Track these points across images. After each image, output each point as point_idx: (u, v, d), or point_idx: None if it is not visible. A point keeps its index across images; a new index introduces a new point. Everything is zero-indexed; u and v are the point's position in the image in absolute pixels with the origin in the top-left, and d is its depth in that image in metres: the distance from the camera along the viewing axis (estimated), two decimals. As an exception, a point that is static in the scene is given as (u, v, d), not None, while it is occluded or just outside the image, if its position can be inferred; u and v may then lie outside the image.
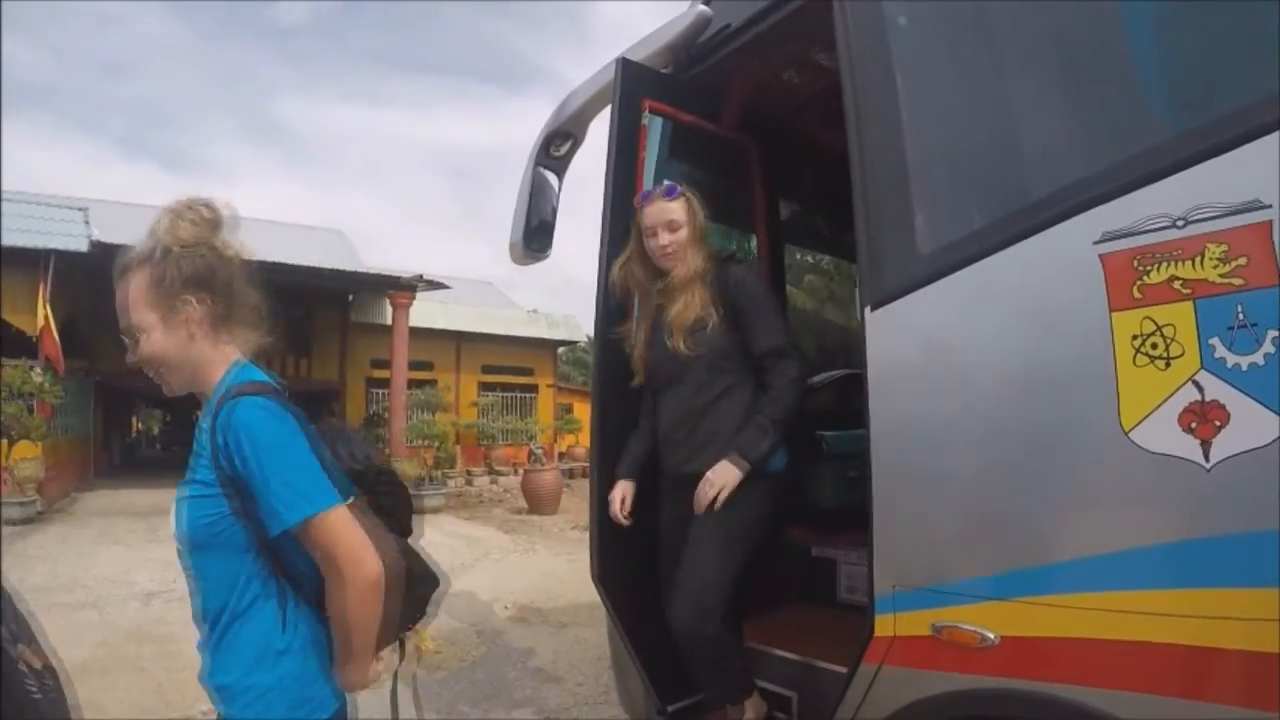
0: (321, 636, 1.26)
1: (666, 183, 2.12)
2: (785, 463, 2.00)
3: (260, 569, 1.20)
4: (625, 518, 2.07)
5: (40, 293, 10.12)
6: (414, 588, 1.35)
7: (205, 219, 1.24)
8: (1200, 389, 1.14)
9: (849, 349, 3.49)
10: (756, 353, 1.95)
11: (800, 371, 1.94)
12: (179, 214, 1.22)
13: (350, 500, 1.23)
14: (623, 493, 2.10)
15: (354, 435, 1.40)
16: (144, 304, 1.21)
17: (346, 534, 1.16)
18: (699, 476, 1.91)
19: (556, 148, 2.74)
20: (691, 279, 2.00)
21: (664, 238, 2.02)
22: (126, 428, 24.94)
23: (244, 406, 1.15)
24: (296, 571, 1.23)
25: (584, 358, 28.65)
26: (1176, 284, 1.17)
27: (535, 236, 2.76)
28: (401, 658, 1.43)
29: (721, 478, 1.86)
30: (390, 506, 1.38)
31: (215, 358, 1.25)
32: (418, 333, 13.81)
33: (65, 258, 10.55)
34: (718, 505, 1.85)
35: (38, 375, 9.52)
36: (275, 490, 1.13)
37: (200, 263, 1.22)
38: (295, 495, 1.14)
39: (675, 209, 2.02)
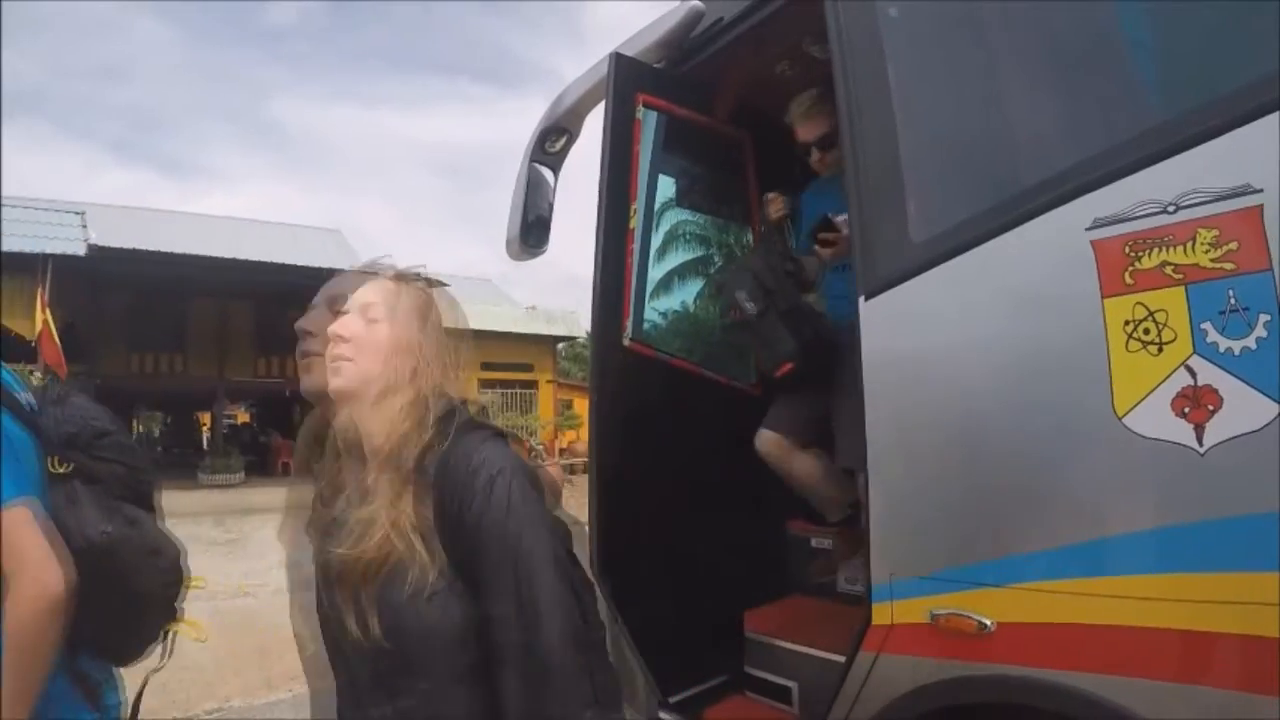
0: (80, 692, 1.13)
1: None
2: None
3: None
4: None
5: (39, 297, 10.14)
6: (153, 559, 1.20)
7: None
8: (1193, 374, 1.14)
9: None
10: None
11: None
12: None
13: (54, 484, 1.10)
14: None
15: (77, 399, 1.24)
16: None
17: (10, 537, 0.98)
18: None
19: (552, 143, 2.74)
20: (394, 460, 1.01)
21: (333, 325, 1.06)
22: (127, 430, 24.87)
23: None
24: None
25: (583, 353, 28.54)
26: (1168, 269, 1.17)
27: (532, 232, 2.77)
28: (164, 653, 1.27)
29: None
30: (115, 474, 1.20)
31: None
32: (417, 331, 13.82)
33: (63, 261, 10.59)
34: None
35: (38, 379, 9.51)
36: None
37: None
38: None
39: (365, 292, 1.08)
